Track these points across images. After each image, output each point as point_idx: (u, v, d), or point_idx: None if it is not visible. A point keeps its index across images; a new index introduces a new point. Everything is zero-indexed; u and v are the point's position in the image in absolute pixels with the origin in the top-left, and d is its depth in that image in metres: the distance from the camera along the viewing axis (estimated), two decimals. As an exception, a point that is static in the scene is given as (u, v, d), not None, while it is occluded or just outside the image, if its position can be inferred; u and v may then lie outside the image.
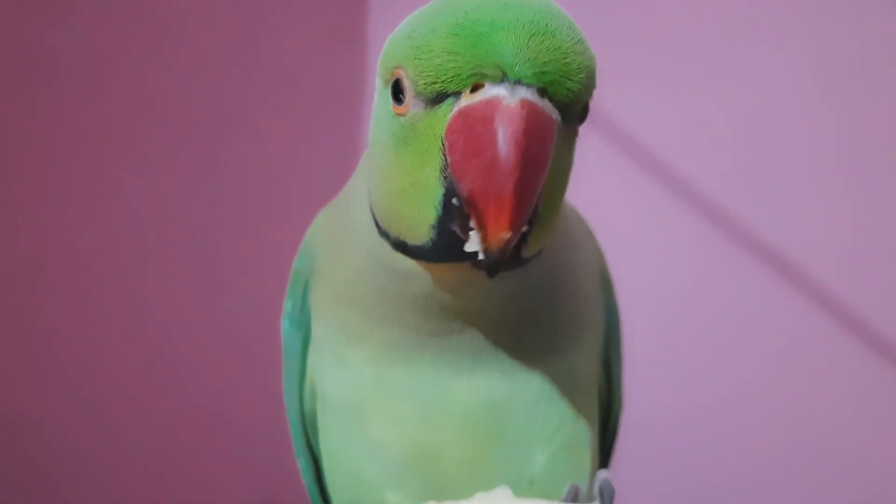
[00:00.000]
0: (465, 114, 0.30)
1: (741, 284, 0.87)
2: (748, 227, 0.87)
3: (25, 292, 0.72)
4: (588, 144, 0.85)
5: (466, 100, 0.30)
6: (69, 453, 0.75)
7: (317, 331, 0.42)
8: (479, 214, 0.30)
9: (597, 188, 0.86)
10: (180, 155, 0.84)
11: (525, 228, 0.31)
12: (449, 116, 0.31)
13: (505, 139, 0.29)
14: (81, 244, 0.75)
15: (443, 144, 0.31)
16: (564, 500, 0.37)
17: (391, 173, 0.33)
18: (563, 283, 0.38)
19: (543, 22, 0.30)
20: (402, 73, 0.32)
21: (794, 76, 0.85)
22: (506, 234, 0.30)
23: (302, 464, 0.46)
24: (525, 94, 0.30)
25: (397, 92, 0.32)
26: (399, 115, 0.32)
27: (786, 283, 0.85)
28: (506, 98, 0.29)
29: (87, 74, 0.75)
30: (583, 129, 0.34)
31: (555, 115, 0.31)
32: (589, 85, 0.32)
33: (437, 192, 0.31)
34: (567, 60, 0.30)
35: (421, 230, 0.33)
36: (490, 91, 0.30)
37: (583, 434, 0.40)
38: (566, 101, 0.31)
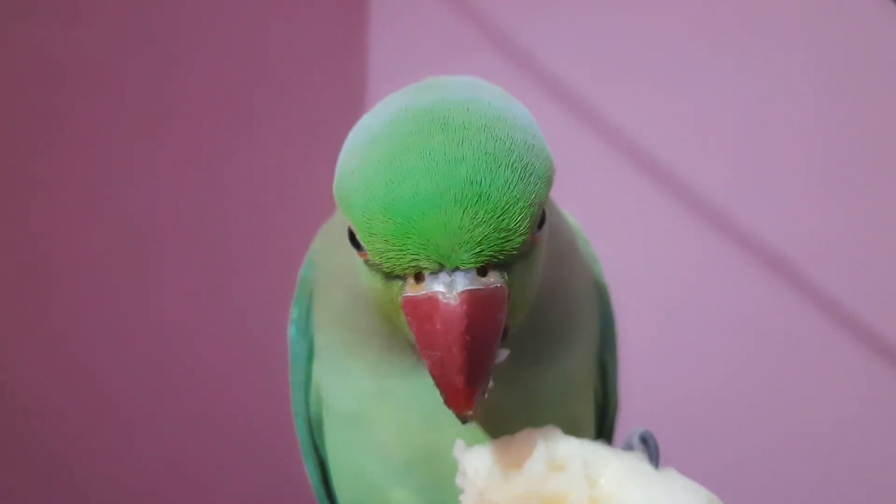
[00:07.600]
0: (411, 303, 0.30)
1: (738, 285, 0.88)
2: (745, 227, 0.87)
3: (33, 293, 0.72)
4: (584, 145, 0.86)
5: (412, 290, 0.30)
6: (77, 451, 0.76)
7: (319, 340, 0.43)
8: (440, 392, 0.31)
9: (593, 188, 0.87)
10: (185, 159, 0.84)
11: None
12: (400, 298, 0.30)
13: (449, 341, 0.29)
14: (87, 246, 0.76)
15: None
16: (628, 447, 0.37)
17: (365, 286, 0.34)
18: (554, 296, 0.38)
19: (478, 180, 0.28)
20: (355, 231, 0.31)
21: (791, 77, 0.85)
22: (465, 412, 0.30)
23: (309, 467, 0.47)
24: (464, 283, 0.28)
25: (354, 237, 0.31)
26: (361, 256, 0.32)
27: (782, 282, 0.85)
28: (444, 296, 0.28)
29: (92, 79, 0.76)
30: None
31: (501, 280, 0.29)
32: (537, 214, 0.30)
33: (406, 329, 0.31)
34: (507, 219, 0.28)
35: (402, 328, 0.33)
36: (430, 285, 0.29)
37: (576, 435, 0.41)
38: (514, 255, 0.29)
